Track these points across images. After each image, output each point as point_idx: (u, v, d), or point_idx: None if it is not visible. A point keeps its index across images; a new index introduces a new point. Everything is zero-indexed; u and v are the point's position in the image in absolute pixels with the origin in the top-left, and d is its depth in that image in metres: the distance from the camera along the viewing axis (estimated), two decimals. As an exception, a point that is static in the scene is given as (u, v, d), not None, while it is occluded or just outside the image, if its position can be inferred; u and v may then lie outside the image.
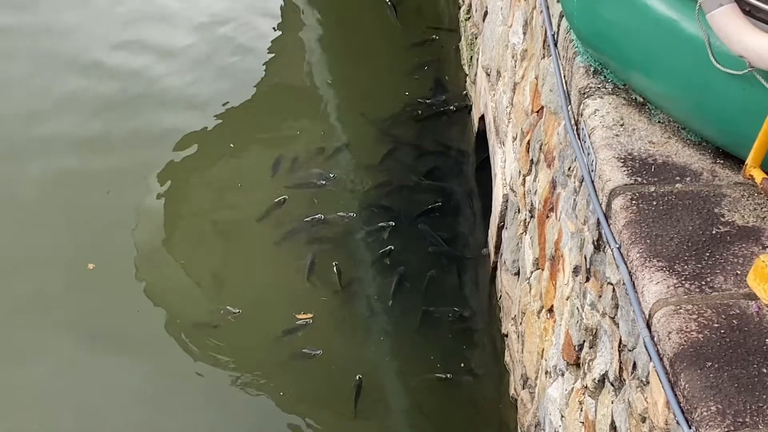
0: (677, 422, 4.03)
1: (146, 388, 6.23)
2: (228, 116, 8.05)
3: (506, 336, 6.76)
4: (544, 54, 6.34)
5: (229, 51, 8.85)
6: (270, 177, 7.37)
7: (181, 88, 8.36)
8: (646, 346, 4.37)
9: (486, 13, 7.86)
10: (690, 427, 3.92)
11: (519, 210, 6.78)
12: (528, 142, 6.63)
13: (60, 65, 8.41)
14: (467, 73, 8.26)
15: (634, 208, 4.80)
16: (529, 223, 6.59)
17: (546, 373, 6.15)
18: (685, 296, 4.39)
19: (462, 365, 6.48)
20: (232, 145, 7.73)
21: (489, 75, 7.60)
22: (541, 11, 6.15)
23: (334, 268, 6.47)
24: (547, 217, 6.25)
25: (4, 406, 6.00)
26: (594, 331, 5.30)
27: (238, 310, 6.45)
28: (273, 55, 8.83)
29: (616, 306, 4.90)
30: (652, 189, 4.86)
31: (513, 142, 7.01)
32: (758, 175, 4.61)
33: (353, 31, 9.01)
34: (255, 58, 8.85)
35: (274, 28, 9.14)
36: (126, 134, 7.82)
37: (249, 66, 8.75)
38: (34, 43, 8.63)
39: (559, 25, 5.76)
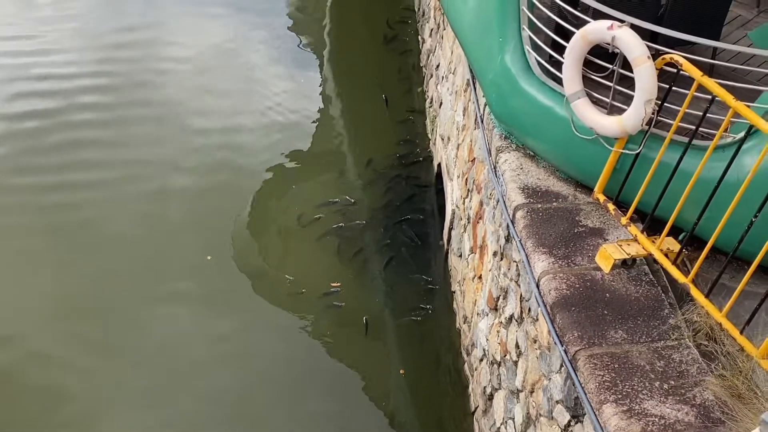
0: (555, 343, 4.85)
1: (243, 330, 7.80)
2: (290, 168, 9.72)
3: (454, 292, 8.02)
4: (475, 127, 7.16)
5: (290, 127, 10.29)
6: (316, 205, 9.03)
7: (261, 151, 9.80)
8: (536, 298, 5.16)
9: (441, 103, 9.31)
10: (562, 346, 4.74)
11: (461, 218, 7.77)
12: (466, 179, 7.58)
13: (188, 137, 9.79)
14: (430, 138, 9.87)
15: (528, 217, 5.58)
16: (467, 226, 7.50)
17: (477, 314, 6.92)
18: (559, 269, 5.16)
19: (428, 309, 8.15)
20: (293, 187, 9.46)
21: (443, 139, 8.98)
22: (473, 102, 7.12)
23: (364, 320, 7.96)
24: (478, 222, 7.01)
25: (148, 355, 7.41)
26: (505, 289, 6.07)
27: (338, 284, 8.26)
28: (318, 126, 10.49)
29: (518, 274, 5.67)
30: (539, 206, 5.67)
31: (457, 178, 8.04)
32: (601, 198, 5.57)
33: (363, 114, 10.58)
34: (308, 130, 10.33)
35: (319, 110, 10.76)
36: (225, 180, 9.39)
37: (302, 132, 10.25)
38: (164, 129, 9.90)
39: (483, 110, 6.60)
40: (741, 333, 4.63)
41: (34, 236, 8.59)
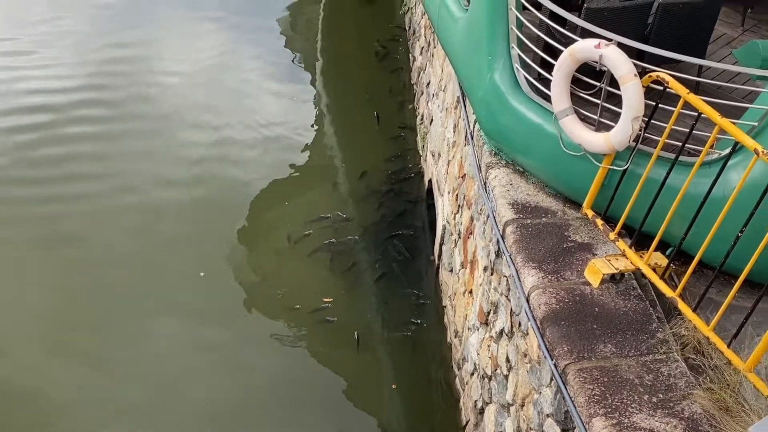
0: (545, 357, 4.85)
1: (235, 345, 7.80)
2: (283, 183, 9.71)
3: (445, 307, 8.01)
4: (465, 143, 7.20)
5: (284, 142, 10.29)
6: (307, 220, 8.98)
7: (254, 166, 9.80)
8: (526, 312, 5.16)
9: (432, 120, 9.35)
10: (552, 360, 4.74)
11: (452, 234, 7.78)
12: (456, 195, 7.58)
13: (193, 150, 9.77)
14: (421, 154, 9.92)
15: (518, 232, 5.60)
16: (457, 241, 7.51)
17: (468, 329, 6.94)
18: (548, 283, 5.16)
19: (419, 324, 8.13)
20: (286, 203, 9.39)
21: (434, 155, 9.02)
22: (464, 119, 7.16)
23: (356, 335, 7.92)
24: (468, 237, 7.04)
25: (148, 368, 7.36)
26: (496, 304, 6.07)
27: (330, 299, 8.20)
28: (311, 141, 10.46)
29: (509, 289, 5.66)
30: (528, 221, 5.69)
31: (448, 194, 8.05)
32: (590, 213, 5.58)
33: (355, 130, 10.60)
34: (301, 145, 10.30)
35: (312, 125, 10.75)
36: (219, 194, 9.39)
37: (295, 147, 10.23)
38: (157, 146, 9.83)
39: (473, 127, 6.64)
40: (728, 346, 4.62)
41: (25, 248, 8.56)
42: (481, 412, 6.56)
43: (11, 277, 8.24)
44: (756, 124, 5.04)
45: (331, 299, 8.26)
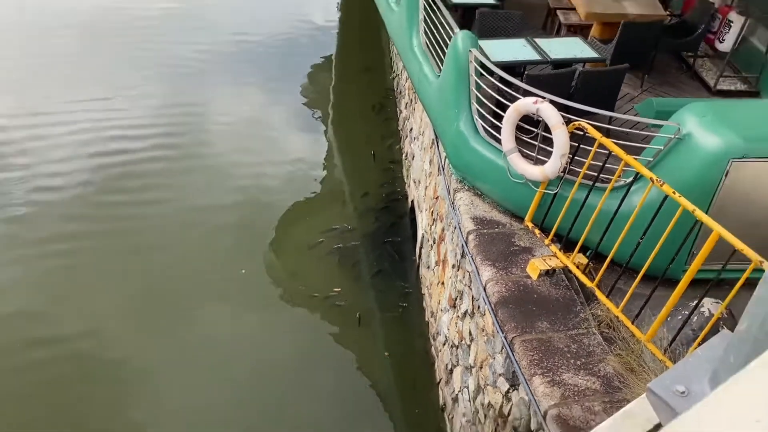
0: (497, 331, 4.83)
1: (268, 323, 7.73)
2: (304, 203, 9.61)
3: (424, 295, 7.95)
4: (438, 173, 7.13)
5: (303, 174, 10.21)
6: (321, 231, 8.91)
7: (282, 191, 9.72)
8: (483, 298, 5.13)
9: (414, 156, 9.40)
10: (503, 333, 4.72)
11: (429, 240, 7.71)
12: (432, 211, 7.54)
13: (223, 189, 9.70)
14: (406, 182, 9.92)
15: (477, 239, 5.55)
16: (433, 245, 7.43)
17: (441, 310, 6.88)
18: (500, 277, 5.13)
19: (405, 307, 8.13)
20: (306, 219, 9.25)
21: (415, 182, 9.02)
22: (437, 155, 7.13)
23: (358, 315, 7.79)
24: (440, 243, 6.98)
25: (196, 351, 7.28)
26: (461, 292, 6.03)
27: (339, 289, 8.11)
28: (324, 173, 10.42)
29: (470, 281, 5.62)
30: (485, 231, 5.64)
31: (425, 211, 8.00)
32: (530, 225, 5.56)
33: (356, 164, 10.56)
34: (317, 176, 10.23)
35: (324, 161, 10.70)
36: (255, 213, 9.25)
37: (312, 178, 10.14)
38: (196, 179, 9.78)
39: (444, 161, 6.59)
40: (632, 323, 4.64)
41: (112, 254, 8.50)
42: (451, 372, 6.56)
43: (102, 276, 8.18)
44: (652, 159, 5.08)
45: (339, 289, 8.20)
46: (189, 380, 7.04)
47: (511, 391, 4.96)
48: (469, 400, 5.86)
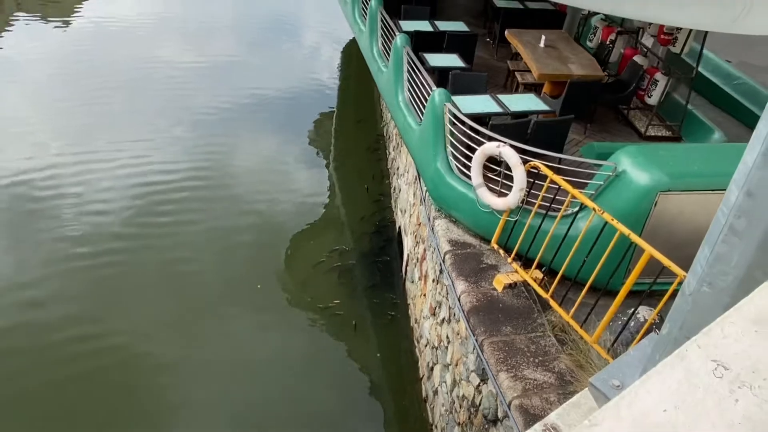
0: (469, 335, 4.73)
1: (280, 330, 7.49)
2: (309, 228, 9.42)
3: (409, 304, 7.75)
4: (420, 204, 7.08)
5: (309, 203, 10.08)
6: (323, 251, 8.69)
7: (291, 218, 9.55)
8: (458, 307, 5.03)
9: (400, 190, 9.31)
10: (474, 336, 4.62)
11: (413, 259, 7.55)
12: (415, 235, 7.44)
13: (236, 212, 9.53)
14: (394, 211, 9.84)
15: (452, 258, 5.45)
16: (417, 263, 7.27)
17: (423, 317, 6.73)
18: (471, 289, 5.03)
19: (394, 315, 7.90)
20: (311, 241, 9.13)
21: (402, 211, 8.94)
22: (419, 189, 7.04)
23: (353, 323, 7.56)
24: (423, 261, 6.85)
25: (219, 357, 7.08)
26: (439, 302, 5.93)
27: (338, 300, 7.84)
28: (326, 203, 10.26)
29: (447, 293, 5.51)
30: (460, 251, 5.54)
31: (410, 235, 7.91)
32: (496, 246, 5.47)
33: (353, 196, 10.42)
34: (320, 205, 10.14)
35: (327, 191, 10.60)
36: (269, 237, 9.03)
37: (316, 207, 10.07)
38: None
39: (425, 194, 6.51)
40: (581, 327, 4.61)
41: (151, 266, 8.39)
42: (431, 369, 6.47)
43: (141, 284, 8.07)
44: (594, 192, 5.07)
45: (338, 301, 8.07)
46: (214, 371, 6.91)
47: (481, 384, 4.89)
48: (447, 393, 5.77)
